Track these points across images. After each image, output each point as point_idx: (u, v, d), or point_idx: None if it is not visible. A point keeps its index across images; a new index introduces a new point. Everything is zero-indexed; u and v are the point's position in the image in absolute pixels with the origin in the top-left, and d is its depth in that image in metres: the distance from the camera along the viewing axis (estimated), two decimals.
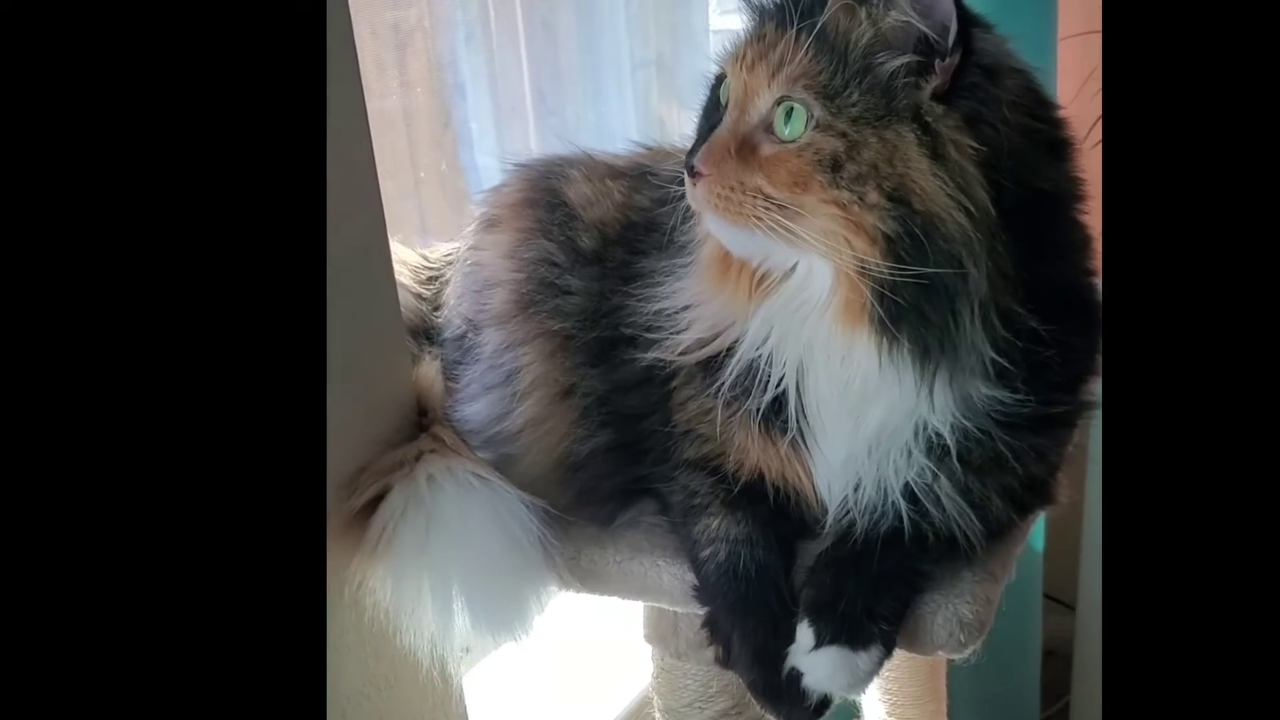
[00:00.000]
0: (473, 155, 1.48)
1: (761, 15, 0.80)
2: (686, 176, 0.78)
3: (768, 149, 0.75)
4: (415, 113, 1.39)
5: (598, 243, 0.93)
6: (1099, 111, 1.88)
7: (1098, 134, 1.89)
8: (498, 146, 1.49)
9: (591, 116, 1.64)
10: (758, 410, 0.82)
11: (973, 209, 0.72)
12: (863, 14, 0.74)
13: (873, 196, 0.72)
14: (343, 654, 0.90)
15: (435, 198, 1.44)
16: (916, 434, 0.78)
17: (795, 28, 0.75)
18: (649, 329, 0.86)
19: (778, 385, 0.81)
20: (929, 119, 0.73)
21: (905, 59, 0.73)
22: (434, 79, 1.42)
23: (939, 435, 0.78)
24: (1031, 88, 0.79)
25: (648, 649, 1.00)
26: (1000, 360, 0.75)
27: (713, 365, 0.84)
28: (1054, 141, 0.80)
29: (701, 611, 0.86)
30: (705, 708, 0.98)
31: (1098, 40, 1.94)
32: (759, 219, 0.74)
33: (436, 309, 1.03)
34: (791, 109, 0.74)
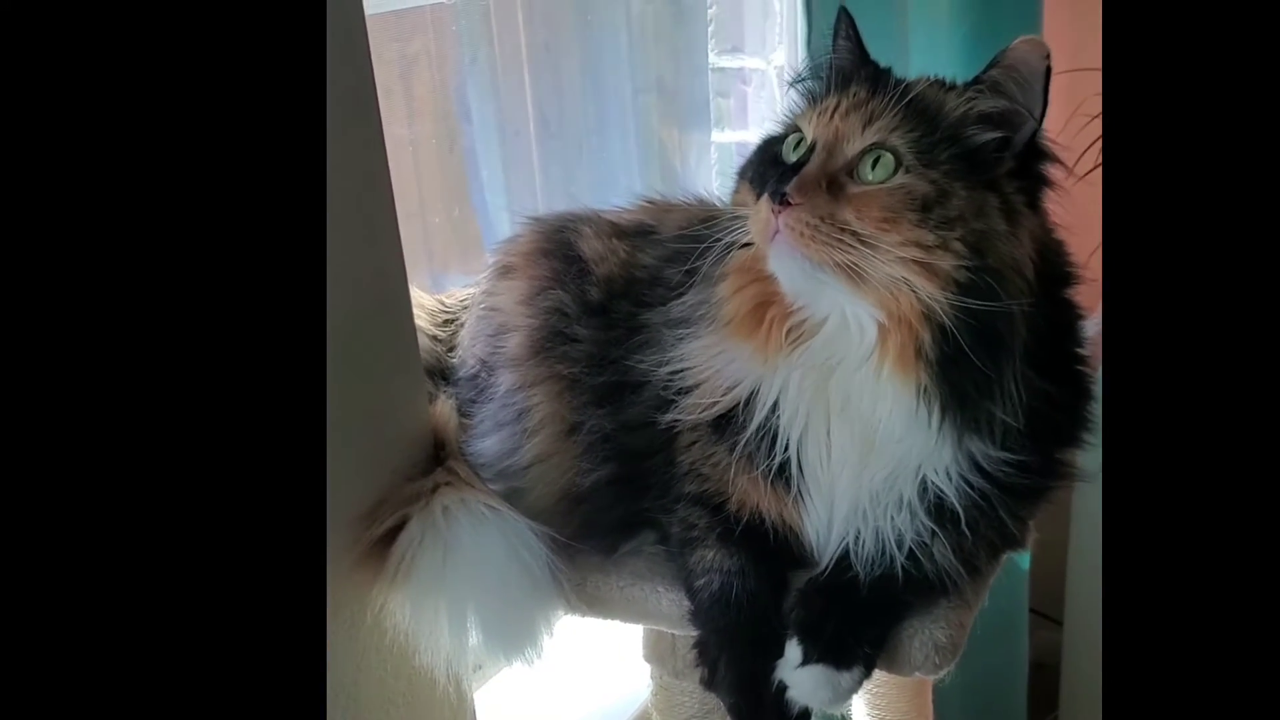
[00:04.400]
0: (479, 175, 1.52)
1: (849, 79, 0.87)
2: (767, 205, 0.82)
3: (855, 188, 0.82)
4: (420, 138, 1.44)
5: (605, 296, 1.01)
6: (1084, 144, 1.97)
7: (1085, 165, 1.97)
8: (502, 170, 1.53)
9: (594, 140, 1.69)
10: (769, 469, 0.89)
11: (1029, 275, 0.81)
12: (954, 94, 0.83)
13: (956, 244, 0.79)
14: (365, 673, 0.98)
15: (441, 223, 1.49)
16: (922, 493, 0.86)
17: (889, 94, 0.83)
18: (663, 388, 0.92)
19: (785, 449, 0.88)
20: (1007, 190, 0.82)
21: (995, 134, 0.83)
22: (439, 104, 1.48)
23: (942, 495, 0.85)
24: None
25: (647, 667, 1.08)
26: (1009, 420, 0.83)
27: (722, 420, 0.91)
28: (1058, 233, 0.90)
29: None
30: None
31: (1082, 77, 2.04)
32: (846, 250, 0.79)
33: (451, 350, 1.11)
34: (878, 157, 0.82)
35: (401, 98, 1.42)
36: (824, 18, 1.47)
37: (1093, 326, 1.34)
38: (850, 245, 0.80)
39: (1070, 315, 0.92)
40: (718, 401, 0.90)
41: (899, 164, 0.81)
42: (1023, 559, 1.84)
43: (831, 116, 0.84)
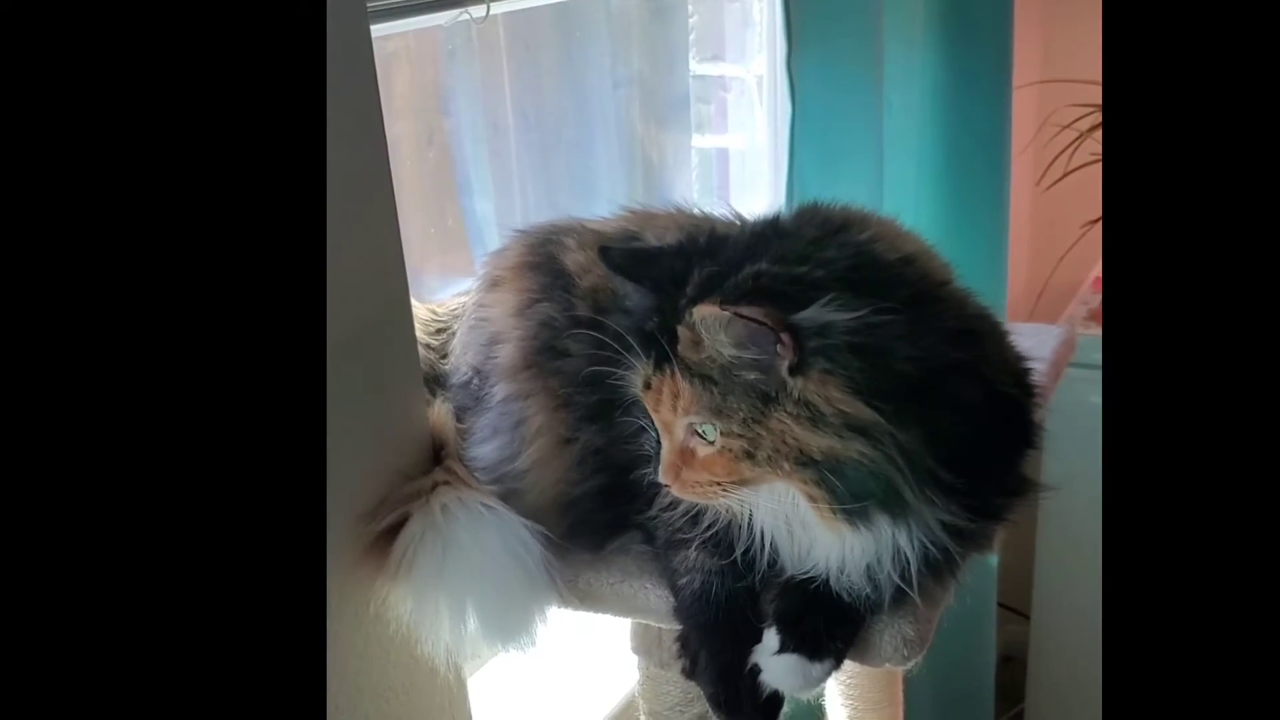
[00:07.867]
0: (459, 171, 1.58)
1: (650, 360, 0.94)
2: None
3: (702, 451, 0.92)
4: (399, 135, 1.48)
5: (592, 309, 1.07)
6: (1053, 154, 2.08)
7: (1053, 174, 2.08)
8: (484, 164, 1.60)
9: (572, 133, 1.75)
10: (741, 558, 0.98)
11: (866, 429, 0.88)
12: (704, 347, 0.90)
13: (785, 466, 0.90)
14: (368, 662, 1.07)
15: (421, 220, 1.54)
16: (898, 558, 0.94)
17: (671, 369, 0.92)
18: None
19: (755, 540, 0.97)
20: (796, 393, 0.88)
21: (754, 372, 0.89)
22: (418, 101, 1.54)
23: (908, 561, 0.94)
24: (851, 306, 0.88)
25: (634, 658, 1.17)
26: (946, 501, 0.91)
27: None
28: (899, 306, 0.90)
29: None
30: (685, 711, 1.14)
31: (1050, 89, 2.15)
32: (725, 492, 0.93)
33: (444, 357, 1.18)
34: (702, 426, 0.92)
35: (381, 95, 1.48)
36: (804, 27, 1.56)
37: (1052, 339, 1.44)
38: (725, 487, 0.93)
39: (961, 361, 0.93)
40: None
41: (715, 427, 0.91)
42: (991, 555, 1.94)
43: (657, 406, 0.94)
